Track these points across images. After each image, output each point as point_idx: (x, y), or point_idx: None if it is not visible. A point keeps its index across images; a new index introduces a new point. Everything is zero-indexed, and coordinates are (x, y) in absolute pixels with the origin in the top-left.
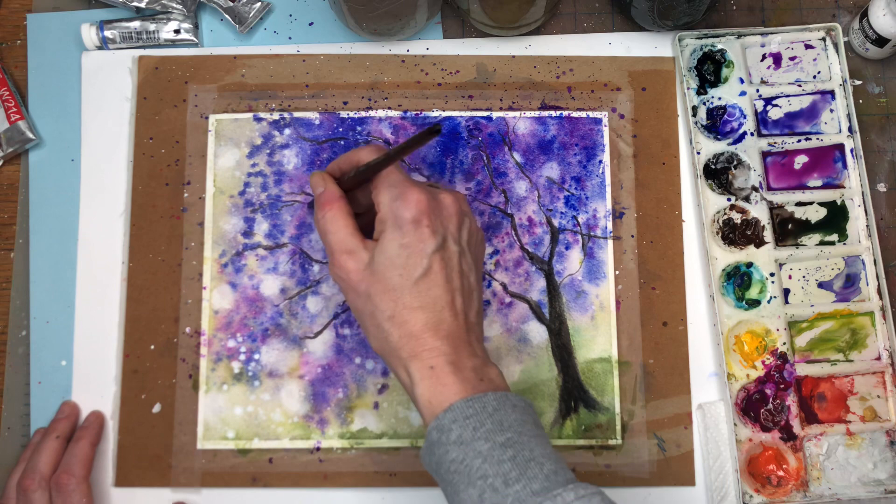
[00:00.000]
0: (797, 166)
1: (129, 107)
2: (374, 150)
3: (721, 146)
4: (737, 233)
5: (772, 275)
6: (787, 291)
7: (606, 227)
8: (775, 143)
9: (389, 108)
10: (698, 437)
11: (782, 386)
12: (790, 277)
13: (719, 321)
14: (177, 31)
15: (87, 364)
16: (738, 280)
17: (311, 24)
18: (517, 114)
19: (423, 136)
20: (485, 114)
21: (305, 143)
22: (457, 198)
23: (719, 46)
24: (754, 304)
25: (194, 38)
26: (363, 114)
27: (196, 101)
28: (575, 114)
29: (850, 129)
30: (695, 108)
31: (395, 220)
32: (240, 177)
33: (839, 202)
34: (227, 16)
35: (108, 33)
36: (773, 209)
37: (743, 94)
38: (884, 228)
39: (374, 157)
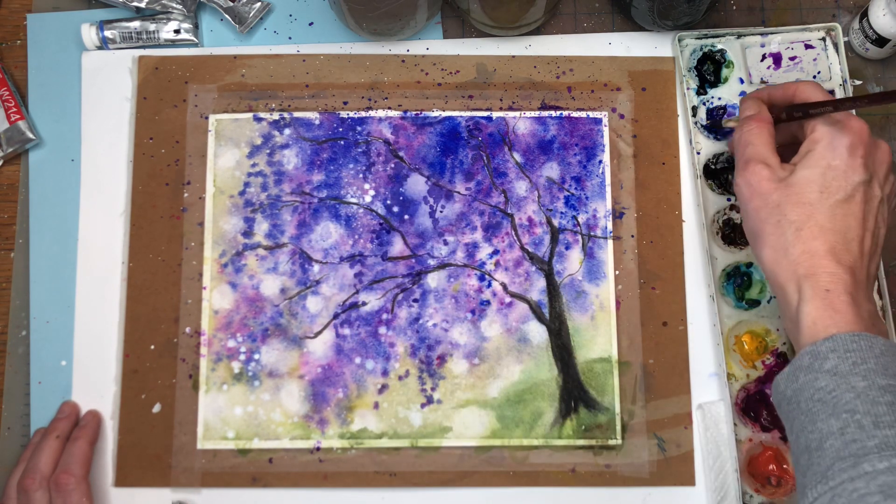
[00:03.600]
0: None
1: (129, 107)
2: (813, 87)
3: (721, 146)
4: (737, 233)
5: None
6: None
7: (606, 227)
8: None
9: (389, 108)
10: (698, 437)
11: None
12: None
13: (719, 321)
14: (177, 31)
15: (87, 364)
16: (739, 280)
17: (311, 24)
18: (517, 114)
19: (875, 97)
20: (485, 114)
21: (305, 143)
22: (890, 150)
23: (719, 46)
24: (754, 304)
25: (194, 38)
26: (363, 114)
27: (196, 101)
28: (575, 114)
29: None
30: (695, 108)
31: (832, 141)
32: (240, 177)
33: None
34: (227, 16)
35: (108, 33)
36: None
37: (743, 94)
38: None
39: (814, 96)
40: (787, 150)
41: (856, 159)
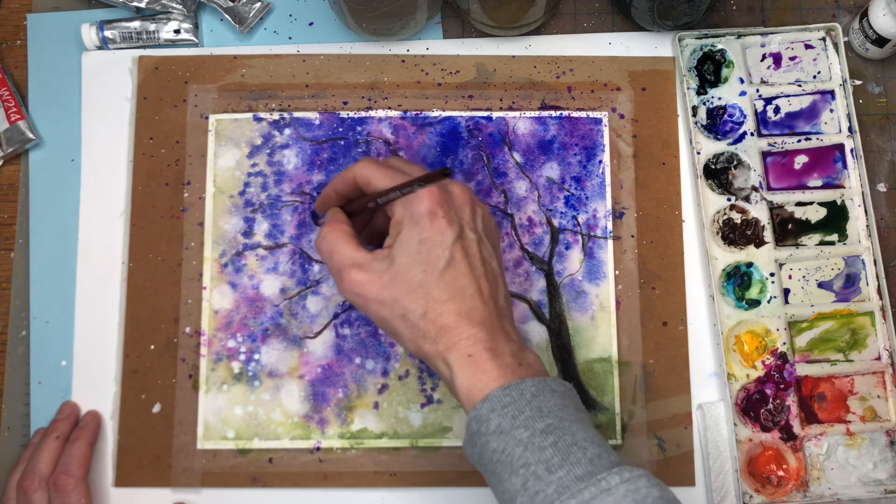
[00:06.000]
0: (797, 166)
1: (129, 107)
2: (370, 166)
3: (721, 146)
4: (737, 233)
5: (772, 275)
6: (787, 291)
7: (606, 227)
8: (775, 143)
9: (389, 108)
10: (698, 437)
11: (782, 386)
12: (790, 277)
13: (719, 321)
14: (177, 31)
15: (87, 364)
16: (738, 280)
17: (311, 24)
18: (517, 114)
19: (435, 175)
20: (485, 114)
21: (305, 143)
22: (465, 187)
23: (719, 46)
24: (754, 304)
25: (194, 38)
26: (363, 114)
27: (196, 101)
28: (575, 114)
29: (850, 129)
30: (695, 108)
31: (411, 217)
32: (240, 177)
33: (839, 202)
34: (227, 16)
35: (108, 33)
36: (773, 209)
37: (743, 94)
38: (884, 228)
39: (376, 178)
40: (378, 225)
41: (438, 221)
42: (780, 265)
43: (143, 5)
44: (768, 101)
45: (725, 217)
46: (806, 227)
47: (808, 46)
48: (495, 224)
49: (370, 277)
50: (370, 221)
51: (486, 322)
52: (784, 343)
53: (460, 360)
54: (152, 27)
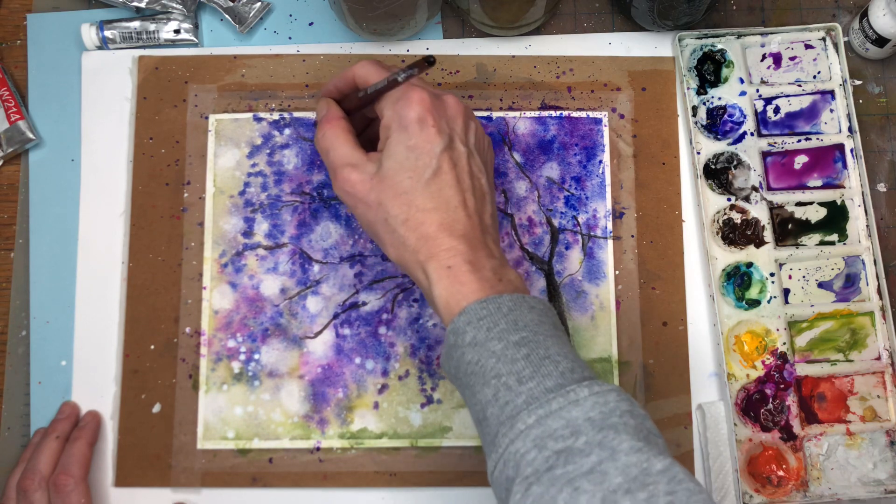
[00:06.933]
0: (797, 166)
1: (129, 107)
2: (369, 66)
3: (721, 146)
4: (737, 233)
5: (772, 275)
6: (787, 291)
7: (606, 227)
8: (775, 143)
9: None
10: (698, 437)
11: (782, 386)
12: (790, 277)
13: (719, 321)
14: (177, 31)
15: (87, 364)
16: (738, 280)
17: (311, 24)
18: (517, 114)
19: (418, 63)
20: (485, 114)
21: (305, 143)
22: (458, 100)
23: (719, 46)
24: (754, 304)
25: (194, 38)
26: None
27: (196, 101)
28: (575, 114)
29: (850, 129)
30: (695, 108)
31: (400, 122)
32: (240, 177)
33: (839, 202)
34: (227, 16)
35: (108, 33)
36: (773, 209)
37: (743, 94)
38: (884, 228)
39: (373, 77)
40: (373, 129)
41: (428, 129)
42: (780, 265)
43: (143, 5)
44: (768, 101)
45: (725, 217)
46: (806, 227)
47: (808, 46)
48: (490, 142)
49: (361, 178)
50: (370, 125)
51: (469, 235)
52: (784, 343)
53: (439, 271)
54: (152, 27)
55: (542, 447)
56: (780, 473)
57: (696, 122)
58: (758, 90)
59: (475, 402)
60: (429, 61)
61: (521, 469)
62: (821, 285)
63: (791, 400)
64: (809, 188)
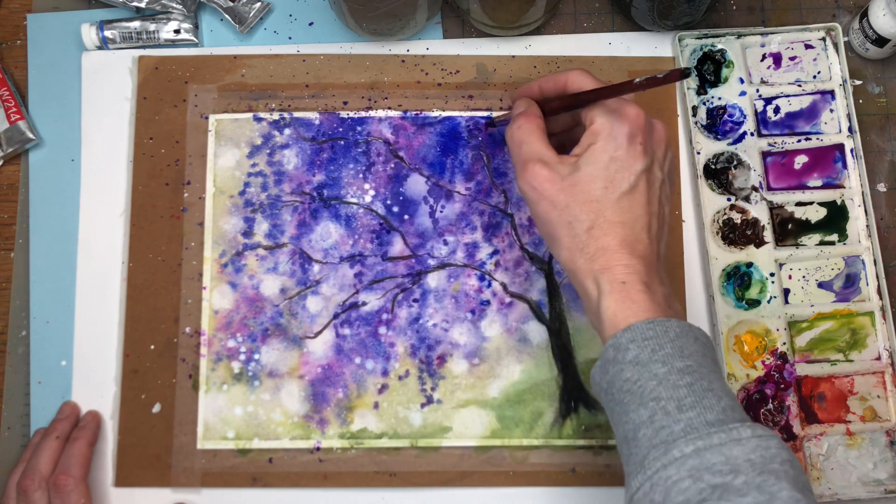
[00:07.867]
0: (797, 166)
1: (129, 107)
2: (583, 75)
3: (721, 146)
4: (737, 233)
5: (772, 275)
6: (787, 291)
7: None
8: (775, 143)
9: (389, 107)
10: None
11: (782, 386)
12: (790, 277)
13: (719, 321)
14: (177, 31)
15: (87, 364)
16: (738, 280)
17: (311, 24)
18: None
19: (672, 74)
20: (485, 114)
21: (305, 143)
22: (666, 126)
23: (719, 46)
24: (754, 304)
25: (194, 38)
26: (363, 114)
27: (196, 101)
28: None
29: (850, 129)
30: (695, 108)
31: (611, 132)
32: (240, 177)
33: (839, 202)
34: (227, 16)
35: (108, 33)
36: (773, 209)
37: (743, 94)
38: (884, 228)
39: (587, 85)
40: (566, 136)
41: (635, 147)
42: (780, 265)
43: (143, 5)
44: (768, 101)
45: (725, 217)
46: (806, 227)
47: (808, 46)
48: (678, 176)
49: (551, 176)
50: (560, 133)
51: (647, 258)
52: (784, 343)
53: (613, 284)
54: (152, 27)
55: (698, 479)
56: None
57: (695, 122)
58: (758, 90)
59: (626, 420)
60: (685, 73)
61: (670, 496)
62: (821, 285)
63: (791, 400)
64: (809, 188)
